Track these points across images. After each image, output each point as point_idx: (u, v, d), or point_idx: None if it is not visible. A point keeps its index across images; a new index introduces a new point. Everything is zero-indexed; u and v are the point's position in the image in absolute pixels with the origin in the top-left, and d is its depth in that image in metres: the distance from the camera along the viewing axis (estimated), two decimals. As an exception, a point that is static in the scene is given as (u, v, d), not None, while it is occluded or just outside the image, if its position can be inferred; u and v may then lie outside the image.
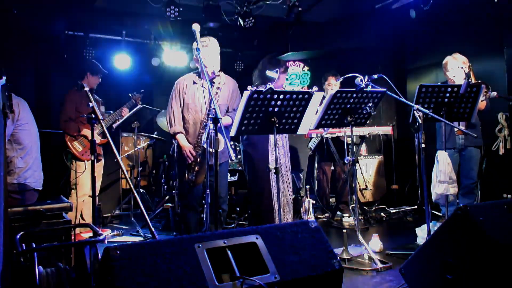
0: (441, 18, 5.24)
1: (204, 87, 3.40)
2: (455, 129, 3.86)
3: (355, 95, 3.21)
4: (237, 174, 5.01)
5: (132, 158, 5.35)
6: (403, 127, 6.01)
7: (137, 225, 4.55)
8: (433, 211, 4.70)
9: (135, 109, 4.77)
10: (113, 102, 4.54)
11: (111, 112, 4.67)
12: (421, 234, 3.82)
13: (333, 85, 5.04)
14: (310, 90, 2.96)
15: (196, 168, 3.33)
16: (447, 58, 4.00)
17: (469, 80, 3.28)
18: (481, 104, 3.75)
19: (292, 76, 6.53)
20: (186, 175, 3.38)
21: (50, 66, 5.64)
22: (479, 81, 3.73)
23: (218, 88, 3.26)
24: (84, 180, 4.30)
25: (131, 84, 5.61)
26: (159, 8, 5.14)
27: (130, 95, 4.68)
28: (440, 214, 4.53)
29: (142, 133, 5.60)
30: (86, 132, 4.28)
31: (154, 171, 6.06)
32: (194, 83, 3.47)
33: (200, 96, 3.43)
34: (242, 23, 5.50)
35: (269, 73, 3.63)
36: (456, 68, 3.88)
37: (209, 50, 3.34)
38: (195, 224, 3.53)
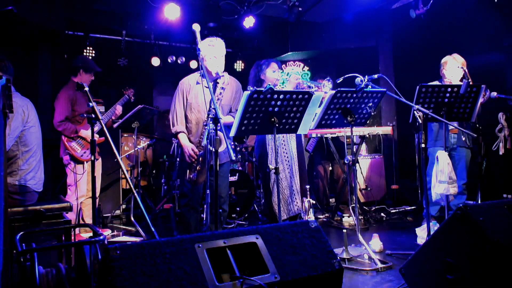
0: (441, 18, 5.24)
1: (207, 87, 3.39)
2: (450, 127, 3.85)
3: (355, 95, 3.21)
4: (237, 174, 5.01)
5: (132, 158, 5.35)
6: (403, 127, 6.01)
7: (137, 225, 4.55)
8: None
9: (136, 109, 4.76)
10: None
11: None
12: (421, 234, 3.82)
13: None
14: (310, 90, 2.96)
15: (198, 167, 3.32)
16: (446, 57, 4.01)
17: (469, 80, 3.28)
18: None
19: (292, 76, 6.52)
20: (188, 174, 3.38)
21: (50, 66, 5.64)
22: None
23: (222, 88, 3.24)
24: (82, 181, 4.21)
25: (131, 84, 5.61)
26: (159, 8, 5.14)
27: (122, 90, 4.57)
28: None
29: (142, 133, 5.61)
30: (83, 132, 4.16)
31: (154, 171, 6.06)
32: (198, 83, 3.46)
33: (203, 96, 3.43)
34: (242, 23, 5.51)
35: (268, 72, 3.64)
36: (456, 68, 3.89)
37: (216, 50, 3.32)
38: (195, 224, 3.52)
